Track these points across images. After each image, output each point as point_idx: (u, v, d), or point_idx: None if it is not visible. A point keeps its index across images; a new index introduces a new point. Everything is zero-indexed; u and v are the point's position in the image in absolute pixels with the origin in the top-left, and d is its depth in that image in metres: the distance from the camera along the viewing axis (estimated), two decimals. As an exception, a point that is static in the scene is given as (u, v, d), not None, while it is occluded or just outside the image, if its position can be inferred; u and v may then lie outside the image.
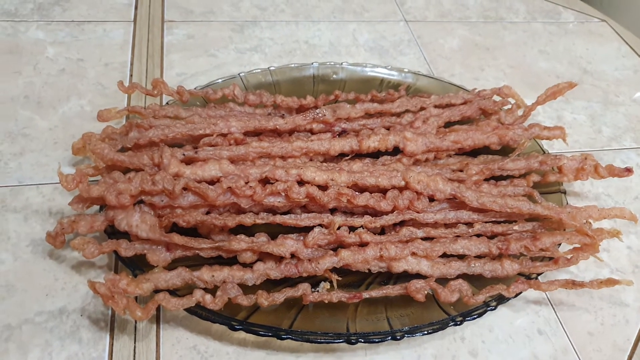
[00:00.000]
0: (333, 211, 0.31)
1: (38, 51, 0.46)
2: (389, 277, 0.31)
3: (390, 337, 0.27)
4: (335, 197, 0.29)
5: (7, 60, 0.44)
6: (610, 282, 0.29)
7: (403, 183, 0.30)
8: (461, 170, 0.34)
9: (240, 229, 0.30)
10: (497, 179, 0.35)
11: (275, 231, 0.30)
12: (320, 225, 0.30)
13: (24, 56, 0.45)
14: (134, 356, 0.27)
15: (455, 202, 0.31)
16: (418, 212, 0.30)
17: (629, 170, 0.34)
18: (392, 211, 0.30)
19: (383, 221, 0.30)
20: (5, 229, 0.32)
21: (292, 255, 0.29)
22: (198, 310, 0.27)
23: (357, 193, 0.30)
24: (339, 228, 0.29)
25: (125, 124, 0.34)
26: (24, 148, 0.37)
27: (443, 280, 0.29)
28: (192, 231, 0.30)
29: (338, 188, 0.29)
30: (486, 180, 0.34)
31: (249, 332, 0.27)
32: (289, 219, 0.29)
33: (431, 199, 0.31)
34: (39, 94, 0.42)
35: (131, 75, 0.45)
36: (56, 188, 0.35)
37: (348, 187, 0.30)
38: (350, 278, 0.30)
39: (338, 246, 0.30)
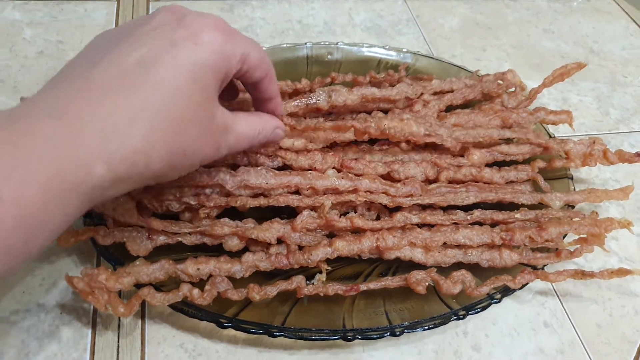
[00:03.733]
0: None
1: (14, 32, 0.43)
2: (387, 268, 0.29)
3: (388, 333, 0.26)
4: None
5: (-19, 43, 0.42)
6: (622, 272, 0.28)
7: (378, 132, 0.29)
8: (462, 156, 0.32)
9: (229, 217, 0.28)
10: (500, 165, 0.33)
11: (265, 218, 0.28)
12: (311, 209, 0.28)
13: (0, 38, 0.42)
14: (117, 356, 0.26)
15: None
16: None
17: (639, 155, 0.32)
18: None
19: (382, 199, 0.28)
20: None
21: (281, 242, 0.27)
22: (184, 307, 0.25)
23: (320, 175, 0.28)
24: (328, 212, 0.27)
25: None
26: (-1, 135, 0.35)
27: (445, 272, 0.27)
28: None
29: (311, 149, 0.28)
30: (489, 166, 0.33)
31: (238, 329, 0.25)
32: (280, 198, 0.28)
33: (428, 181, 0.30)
34: (15, 78, 0.39)
35: (114, 58, 0.42)
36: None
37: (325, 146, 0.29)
38: (347, 270, 0.29)
39: (331, 234, 0.28)
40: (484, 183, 0.31)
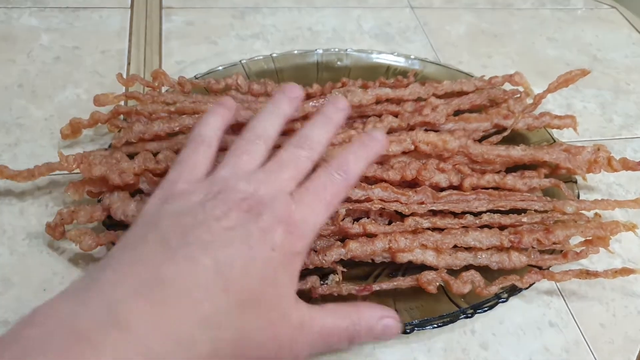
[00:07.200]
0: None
1: (32, 38, 0.44)
2: (397, 268, 0.30)
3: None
4: None
5: (0, 48, 0.43)
6: (625, 271, 0.28)
7: (412, 147, 0.31)
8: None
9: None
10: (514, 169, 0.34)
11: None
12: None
13: (18, 44, 0.44)
14: (136, 351, 0.27)
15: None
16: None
17: (643, 164, 0.32)
18: (400, 180, 0.30)
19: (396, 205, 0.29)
20: (0, 222, 0.31)
21: None
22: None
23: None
24: (343, 219, 0.28)
25: (112, 110, 0.33)
26: (18, 139, 0.36)
27: (454, 273, 0.28)
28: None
29: None
30: (510, 170, 0.33)
31: (254, 326, 0.26)
32: None
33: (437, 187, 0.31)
34: (33, 82, 0.41)
35: (129, 64, 0.43)
36: (52, 180, 0.34)
37: None
38: (358, 270, 0.30)
39: (344, 237, 0.29)
40: (507, 190, 0.31)
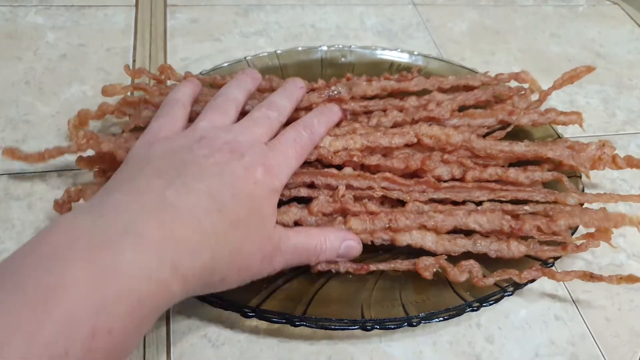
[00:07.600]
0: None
1: (38, 36, 0.45)
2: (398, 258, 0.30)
3: (406, 323, 0.27)
4: (346, 159, 0.29)
5: (6, 46, 0.43)
6: (631, 279, 0.28)
7: (415, 140, 0.31)
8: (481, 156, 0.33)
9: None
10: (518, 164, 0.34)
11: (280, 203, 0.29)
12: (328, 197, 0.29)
13: (24, 41, 0.44)
14: (144, 345, 0.27)
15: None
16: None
17: (647, 162, 0.32)
18: (405, 169, 0.30)
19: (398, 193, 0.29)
20: (9, 216, 0.32)
21: (297, 224, 0.28)
22: (209, 298, 0.26)
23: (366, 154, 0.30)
24: (343, 196, 0.29)
25: (120, 100, 0.34)
26: (26, 135, 0.37)
27: (454, 261, 0.28)
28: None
29: (349, 150, 0.30)
30: (513, 165, 0.34)
31: (262, 319, 0.26)
32: (302, 190, 0.29)
33: (439, 179, 0.31)
34: (40, 79, 0.41)
35: (134, 61, 0.44)
36: (60, 175, 0.34)
37: (361, 150, 0.31)
38: (359, 257, 0.30)
39: (346, 214, 0.29)
40: (509, 183, 0.31)
